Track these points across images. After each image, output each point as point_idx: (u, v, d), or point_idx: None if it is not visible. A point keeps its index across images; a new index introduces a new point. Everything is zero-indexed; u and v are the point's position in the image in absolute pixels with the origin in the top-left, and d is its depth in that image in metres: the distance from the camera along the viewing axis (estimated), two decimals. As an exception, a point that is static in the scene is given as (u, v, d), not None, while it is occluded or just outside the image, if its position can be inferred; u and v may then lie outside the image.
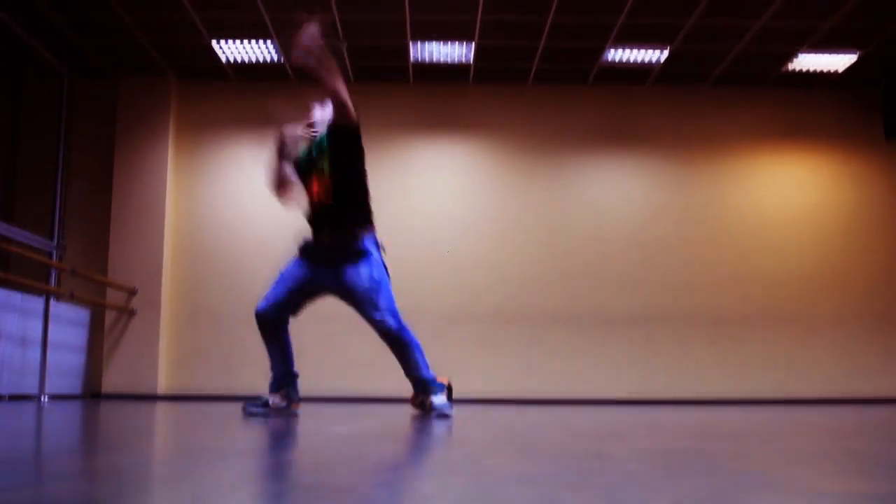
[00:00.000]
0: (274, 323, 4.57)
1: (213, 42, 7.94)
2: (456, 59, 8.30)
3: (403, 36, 7.77)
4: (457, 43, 7.95)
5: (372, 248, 4.41)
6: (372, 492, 1.36)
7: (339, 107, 4.31)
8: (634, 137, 8.90)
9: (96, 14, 7.40)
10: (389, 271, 4.46)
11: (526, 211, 8.76)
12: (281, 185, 4.59)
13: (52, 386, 7.35)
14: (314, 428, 3.11)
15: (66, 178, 8.66)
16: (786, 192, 8.88)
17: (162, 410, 5.05)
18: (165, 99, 8.66)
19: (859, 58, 8.19)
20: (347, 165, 4.45)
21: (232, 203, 8.72)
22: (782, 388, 8.50)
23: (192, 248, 8.64)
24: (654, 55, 8.19)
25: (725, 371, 8.53)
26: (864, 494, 1.33)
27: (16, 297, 6.85)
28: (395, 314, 4.35)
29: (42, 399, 7.00)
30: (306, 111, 4.65)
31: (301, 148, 4.65)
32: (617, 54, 8.18)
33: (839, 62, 8.31)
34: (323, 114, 4.60)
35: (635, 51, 8.11)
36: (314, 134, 4.54)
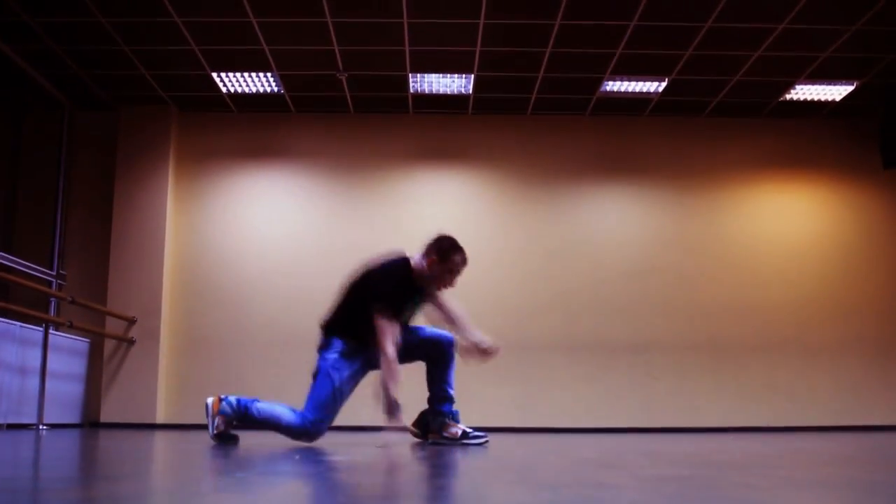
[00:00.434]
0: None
1: (214, 74, 7.99)
2: (455, 90, 8.35)
3: (403, 67, 7.83)
4: (456, 75, 8.00)
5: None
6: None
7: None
8: (633, 167, 8.93)
9: (97, 46, 7.45)
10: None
11: (525, 240, 8.77)
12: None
13: (51, 415, 7.32)
14: (313, 457, 3.10)
15: (67, 208, 8.68)
16: (784, 222, 8.91)
17: (161, 439, 5.03)
18: (166, 130, 8.71)
19: (856, 88, 8.24)
20: None
21: (231, 233, 8.73)
22: (782, 416, 8.47)
23: (192, 278, 8.64)
24: (652, 86, 8.24)
25: (725, 399, 8.51)
26: (865, 522, 1.33)
27: (15, 327, 6.84)
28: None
29: (40, 428, 6.98)
30: None
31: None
32: (615, 85, 8.24)
33: (836, 92, 8.37)
34: None
35: (633, 82, 8.17)
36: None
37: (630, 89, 8.33)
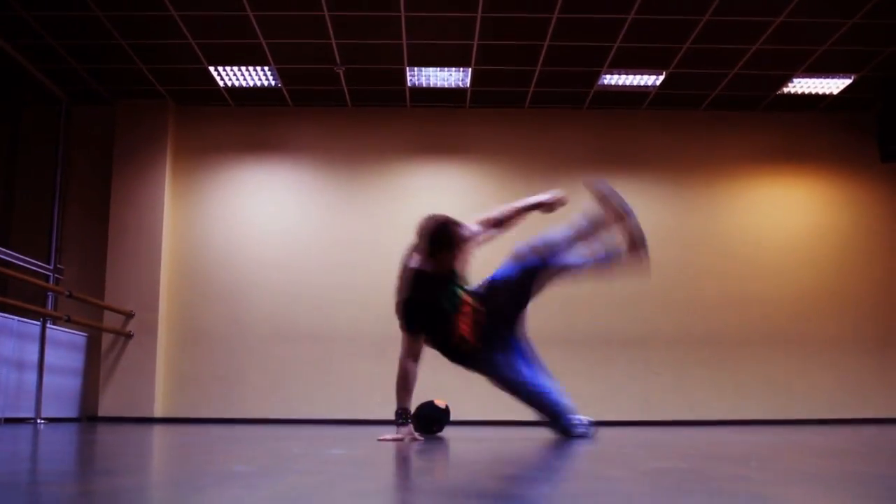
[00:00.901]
0: None
1: (211, 67, 7.98)
2: (453, 84, 8.34)
3: (401, 61, 7.81)
4: (453, 68, 7.99)
5: None
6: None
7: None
8: (630, 161, 8.93)
9: (94, 40, 7.43)
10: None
11: (523, 233, 8.76)
12: None
13: (49, 409, 7.32)
14: (311, 451, 3.10)
15: (64, 203, 8.67)
16: (782, 215, 8.91)
17: (159, 433, 5.03)
18: (163, 124, 8.69)
19: (854, 81, 8.24)
20: None
21: (229, 227, 8.73)
22: (780, 409, 8.49)
23: (189, 272, 8.64)
24: (649, 79, 8.24)
25: (723, 393, 8.52)
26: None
27: (13, 321, 6.84)
28: None
29: (38, 422, 6.98)
30: None
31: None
32: (613, 79, 8.23)
33: (834, 86, 8.37)
34: None
35: (631, 75, 8.16)
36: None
37: (628, 83, 8.32)
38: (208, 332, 8.54)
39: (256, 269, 8.61)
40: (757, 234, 8.85)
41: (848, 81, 8.25)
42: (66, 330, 7.92)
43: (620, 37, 7.34)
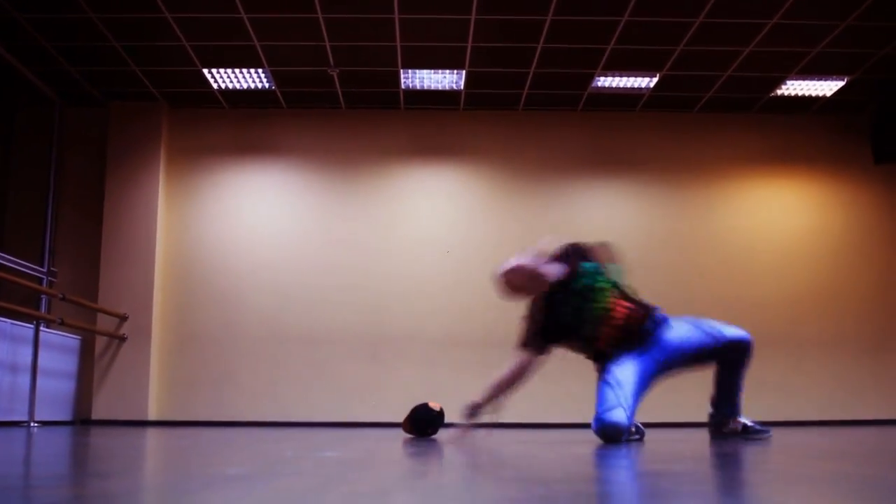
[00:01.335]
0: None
1: (205, 69, 7.97)
2: (447, 86, 8.35)
3: (395, 63, 7.82)
4: (447, 70, 8.00)
5: None
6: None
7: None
8: (624, 162, 8.94)
9: (88, 42, 7.42)
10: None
11: (516, 235, 8.76)
12: None
13: (42, 412, 7.30)
14: (304, 453, 3.10)
15: (57, 205, 8.66)
16: (775, 217, 8.93)
17: (152, 436, 5.02)
18: (157, 126, 8.68)
19: (847, 83, 8.26)
20: None
21: (223, 230, 8.72)
22: (774, 410, 8.49)
23: (183, 275, 8.63)
24: (643, 81, 8.25)
25: (717, 395, 8.51)
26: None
27: (6, 324, 6.82)
28: None
29: (32, 425, 6.96)
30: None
31: None
32: (607, 81, 8.24)
33: (827, 88, 8.39)
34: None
35: (625, 77, 8.18)
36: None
37: (621, 85, 8.33)
38: (202, 334, 8.52)
39: (250, 271, 8.60)
40: (751, 235, 8.87)
41: (841, 83, 8.27)
42: (60, 333, 7.90)
43: (614, 39, 7.35)
